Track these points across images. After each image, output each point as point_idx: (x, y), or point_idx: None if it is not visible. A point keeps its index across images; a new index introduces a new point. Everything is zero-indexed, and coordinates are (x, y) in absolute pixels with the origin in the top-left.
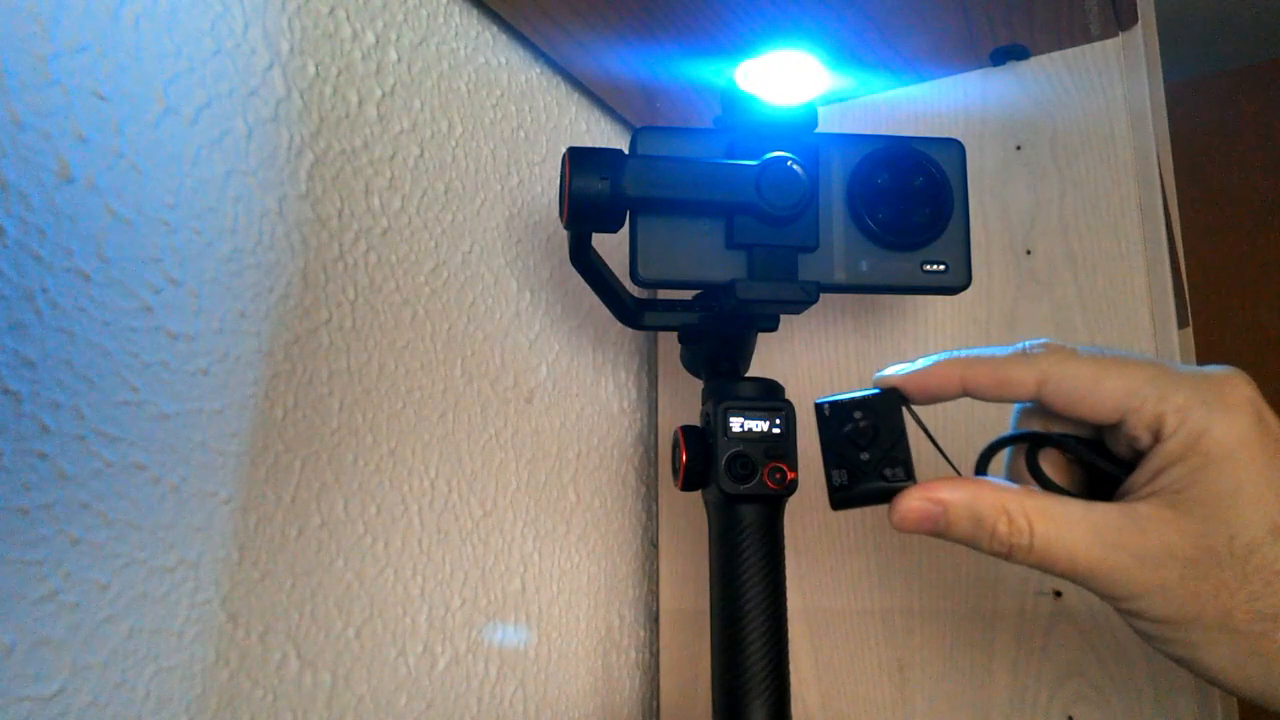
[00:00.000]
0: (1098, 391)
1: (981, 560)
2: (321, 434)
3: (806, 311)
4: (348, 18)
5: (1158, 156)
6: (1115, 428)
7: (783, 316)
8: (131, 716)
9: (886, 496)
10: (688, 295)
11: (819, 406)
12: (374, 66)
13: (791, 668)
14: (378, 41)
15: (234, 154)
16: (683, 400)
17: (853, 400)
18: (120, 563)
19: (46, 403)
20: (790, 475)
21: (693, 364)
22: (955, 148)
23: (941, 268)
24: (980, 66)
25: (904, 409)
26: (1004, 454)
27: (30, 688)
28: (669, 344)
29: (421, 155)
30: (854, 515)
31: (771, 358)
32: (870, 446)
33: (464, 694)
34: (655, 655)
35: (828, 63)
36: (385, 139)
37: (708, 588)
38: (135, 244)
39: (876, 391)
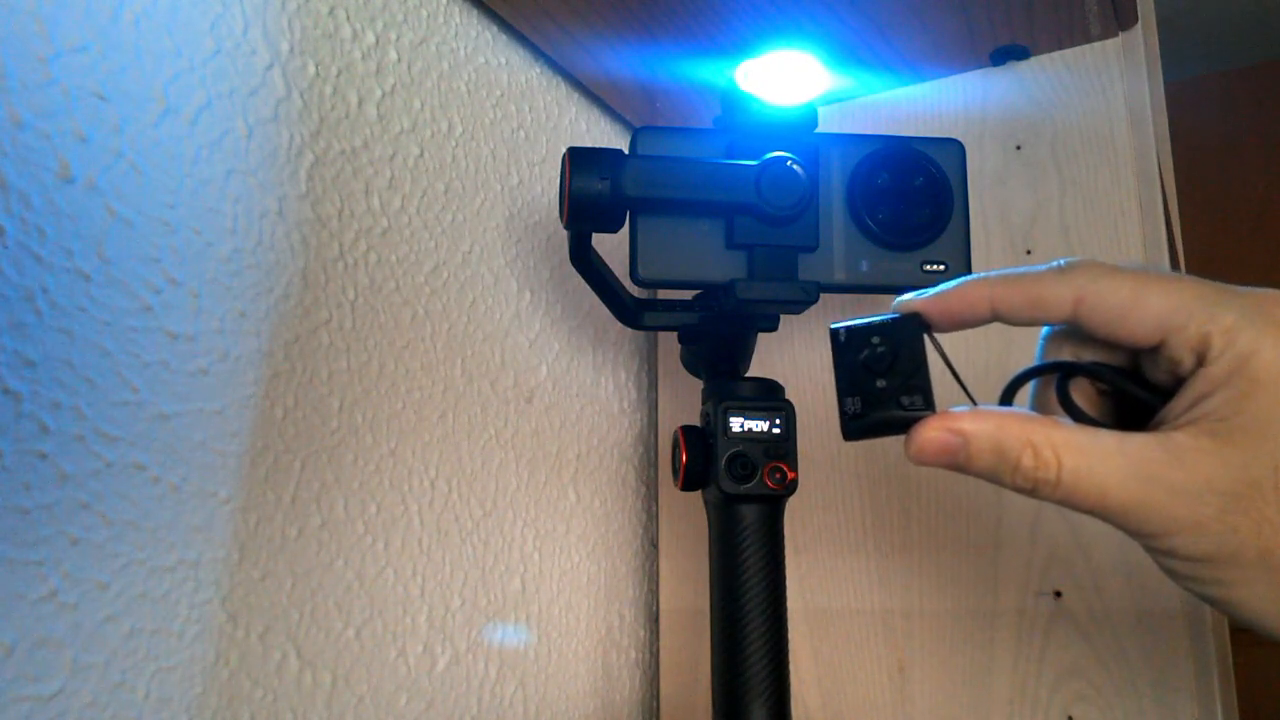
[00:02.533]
0: (1139, 309)
1: (981, 560)
2: (321, 434)
3: (806, 311)
4: (348, 18)
5: (1158, 156)
6: (1154, 352)
7: (783, 316)
8: (131, 716)
9: (903, 426)
10: (688, 295)
11: (834, 331)
12: (374, 66)
13: (791, 668)
14: (378, 41)
15: (234, 154)
16: (683, 400)
17: (870, 325)
18: (120, 563)
19: (46, 403)
20: (790, 475)
21: (693, 364)
22: (955, 148)
23: (941, 268)
24: (980, 66)
25: (925, 337)
26: (1028, 387)
27: (30, 688)
28: (669, 344)
29: (421, 155)
30: (854, 515)
31: (771, 358)
32: (887, 374)
33: (464, 694)
34: (655, 655)
35: (828, 63)
36: (385, 139)
37: (708, 588)
38: (135, 244)
39: (896, 316)
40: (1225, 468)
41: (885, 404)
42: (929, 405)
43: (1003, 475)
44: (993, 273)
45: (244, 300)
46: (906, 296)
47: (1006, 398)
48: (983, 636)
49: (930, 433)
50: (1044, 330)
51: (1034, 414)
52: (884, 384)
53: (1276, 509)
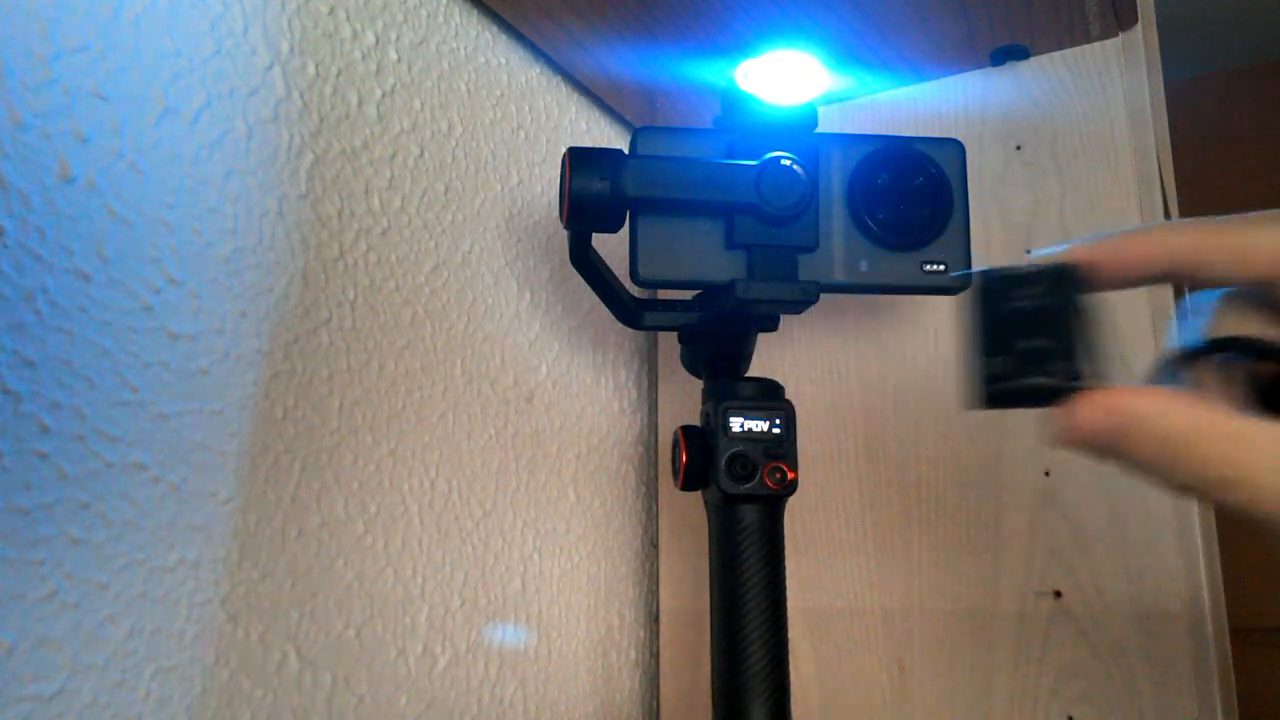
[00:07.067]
0: None
1: (981, 560)
2: (321, 434)
3: (806, 311)
4: (348, 18)
5: (1158, 156)
6: None
7: (783, 316)
8: (131, 716)
9: (1052, 398)
10: (688, 295)
11: (980, 276)
12: (374, 66)
13: (791, 668)
14: (378, 41)
15: (234, 154)
16: (683, 400)
17: (1017, 274)
18: (120, 563)
19: (46, 403)
20: (790, 475)
21: (693, 364)
22: (955, 148)
23: (941, 268)
24: (980, 66)
25: (1078, 295)
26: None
27: (30, 688)
28: (669, 344)
29: (421, 155)
30: (854, 515)
31: (771, 358)
32: (1034, 334)
33: (464, 694)
34: (655, 655)
35: (828, 63)
36: (385, 139)
37: (708, 588)
38: (135, 244)
39: (1046, 267)
40: None
41: (1031, 370)
42: (1083, 377)
43: (1167, 470)
44: (1170, 221)
45: (244, 300)
46: (1066, 246)
47: (1169, 374)
48: (983, 636)
49: (1090, 410)
50: (1214, 294)
51: (1207, 399)
52: (1028, 345)
53: None
